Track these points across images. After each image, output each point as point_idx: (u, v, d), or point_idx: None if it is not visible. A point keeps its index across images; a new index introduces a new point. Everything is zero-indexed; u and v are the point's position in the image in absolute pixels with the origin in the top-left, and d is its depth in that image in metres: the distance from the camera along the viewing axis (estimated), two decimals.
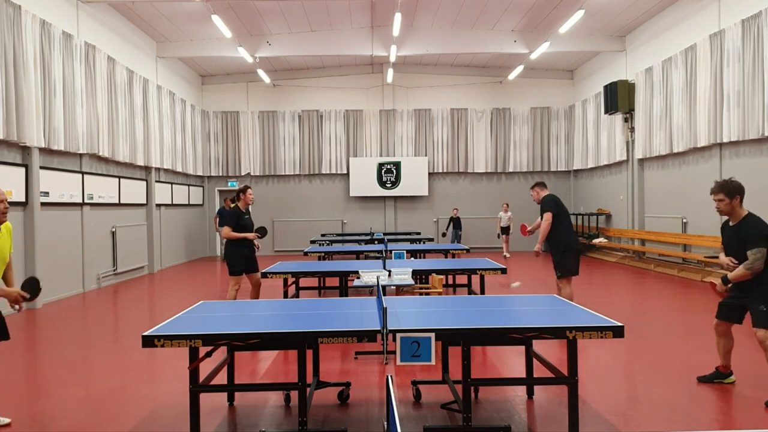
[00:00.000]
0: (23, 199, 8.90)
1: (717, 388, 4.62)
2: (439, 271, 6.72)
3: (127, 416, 4.19)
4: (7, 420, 4.07)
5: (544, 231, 6.85)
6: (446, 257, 10.42)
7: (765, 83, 9.39)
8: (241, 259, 7.17)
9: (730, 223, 4.65)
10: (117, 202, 12.08)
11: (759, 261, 4.29)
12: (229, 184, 18.27)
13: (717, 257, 10.50)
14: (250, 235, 7.21)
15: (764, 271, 4.31)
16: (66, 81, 10.01)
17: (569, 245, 6.84)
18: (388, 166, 18.03)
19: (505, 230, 15.99)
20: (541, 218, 6.96)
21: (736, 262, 4.51)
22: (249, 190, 7.31)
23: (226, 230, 7.12)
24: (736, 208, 4.54)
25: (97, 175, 11.25)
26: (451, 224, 16.42)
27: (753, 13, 9.69)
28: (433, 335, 3.23)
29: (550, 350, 5.78)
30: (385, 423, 2.10)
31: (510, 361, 5.57)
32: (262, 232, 7.44)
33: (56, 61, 9.74)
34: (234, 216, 7.15)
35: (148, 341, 3.27)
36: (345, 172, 18.19)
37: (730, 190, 4.53)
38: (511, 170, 18.30)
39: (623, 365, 5.36)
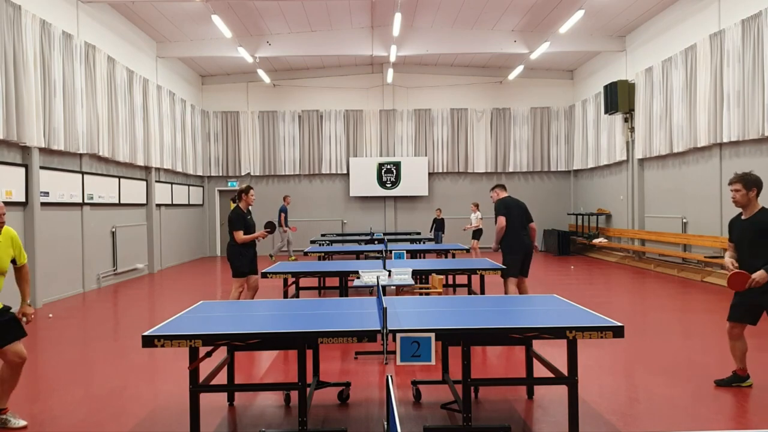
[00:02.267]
0: (23, 199, 8.90)
1: (718, 387, 4.62)
2: (439, 271, 6.72)
3: (127, 416, 4.19)
4: (23, 422, 4.03)
5: (497, 232, 7.26)
6: (446, 257, 10.42)
7: (765, 83, 9.39)
8: (246, 261, 7.08)
9: (743, 217, 4.61)
10: (117, 202, 12.08)
11: None
12: (229, 184, 18.28)
13: (718, 257, 10.53)
14: (261, 234, 7.17)
15: None
16: (66, 81, 10.00)
17: (511, 247, 7.16)
18: (388, 166, 18.03)
19: (476, 234, 13.95)
20: (495, 221, 7.43)
21: (737, 265, 4.52)
22: (251, 191, 7.20)
23: (239, 235, 6.96)
24: (752, 201, 4.53)
25: (97, 175, 11.25)
26: (434, 225, 15.92)
27: (753, 13, 9.69)
28: (433, 335, 3.23)
29: (550, 350, 5.78)
30: (385, 423, 2.10)
31: (510, 361, 5.57)
32: (272, 227, 7.40)
33: (56, 61, 9.73)
34: (242, 219, 7.03)
35: (148, 341, 3.27)
36: (345, 172, 18.19)
37: (748, 182, 4.52)
38: (511, 170, 18.31)
39: (623, 365, 5.36)
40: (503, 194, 7.49)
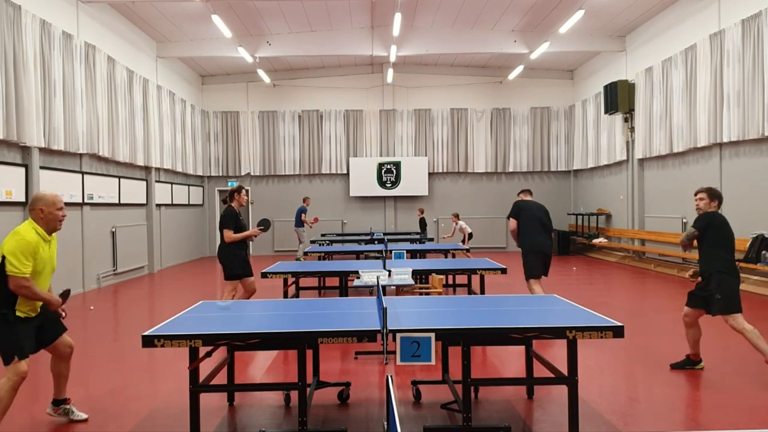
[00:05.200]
0: (23, 199, 8.90)
1: (717, 387, 4.62)
2: (439, 271, 6.72)
3: (127, 416, 4.20)
4: (84, 416, 4.18)
5: (512, 234, 7.38)
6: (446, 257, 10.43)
7: (765, 83, 9.39)
8: (239, 263, 6.82)
9: None
10: (117, 202, 12.08)
11: None
12: (229, 184, 18.25)
13: None
14: (254, 232, 6.92)
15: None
16: (66, 81, 10.00)
17: (531, 248, 7.13)
18: (388, 166, 18.03)
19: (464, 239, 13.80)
20: None
21: None
22: (244, 191, 6.94)
23: (229, 233, 6.69)
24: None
25: (97, 175, 11.25)
26: (419, 226, 15.58)
27: (753, 13, 9.69)
28: (433, 335, 3.23)
29: (550, 350, 5.78)
30: (385, 423, 2.10)
31: (510, 361, 5.57)
32: (266, 224, 7.10)
33: (56, 61, 9.73)
34: (234, 217, 6.79)
35: (148, 341, 3.27)
36: (345, 172, 18.19)
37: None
38: (511, 170, 18.30)
39: (623, 365, 5.36)
40: (525, 198, 7.55)
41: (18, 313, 3.73)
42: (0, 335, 3.67)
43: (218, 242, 7.01)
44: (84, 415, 4.16)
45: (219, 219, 6.89)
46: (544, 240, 7.14)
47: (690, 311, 5.10)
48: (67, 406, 4.13)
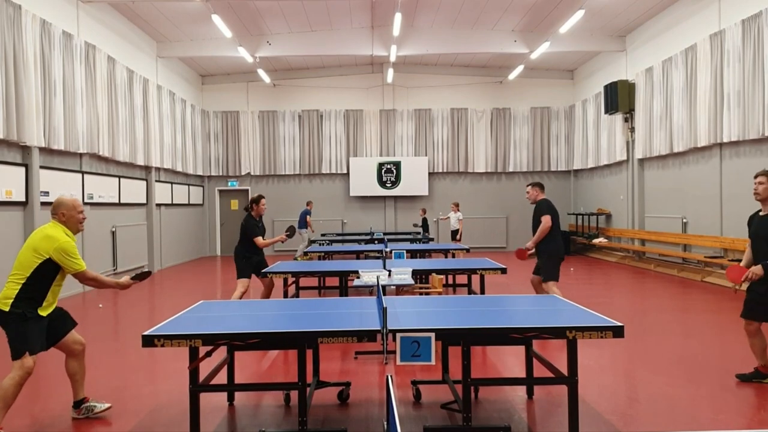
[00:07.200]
0: (23, 199, 8.90)
1: (717, 387, 4.62)
2: (439, 271, 6.72)
3: (127, 416, 4.19)
4: (107, 404, 4.27)
5: (543, 232, 6.77)
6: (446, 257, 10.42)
7: (765, 83, 9.39)
8: (250, 265, 7.39)
9: (761, 213, 4.69)
10: (117, 201, 12.08)
11: None
12: (229, 183, 18.29)
13: (718, 257, 10.52)
14: (281, 237, 7.52)
15: None
16: (66, 81, 10.00)
17: (556, 252, 6.80)
18: (388, 166, 18.03)
19: (453, 234, 14.55)
20: (535, 220, 6.94)
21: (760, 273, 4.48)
22: (263, 200, 7.52)
23: (259, 240, 7.35)
24: None
25: (97, 175, 11.25)
26: (421, 227, 15.50)
27: (753, 13, 9.69)
28: (433, 335, 3.23)
29: (550, 350, 5.78)
30: (385, 423, 2.10)
31: (510, 361, 5.57)
32: (291, 230, 7.67)
33: (56, 61, 9.73)
34: (255, 226, 7.41)
35: (148, 341, 3.27)
36: (345, 172, 18.19)
37: None
38: (511, 170, 18.30)
39: (623, 365, 5.36)
40: (542, 195, 7.02)
41: (40, 312, 3.87)
42: (14, 331, 3.79)
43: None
44: (106, 404, 4.25)
45: (241, 227, 7.49)
46: (563, 246, 6.95)
47: (750, 322, 4.67)
48: (87, 404, 4.19)
